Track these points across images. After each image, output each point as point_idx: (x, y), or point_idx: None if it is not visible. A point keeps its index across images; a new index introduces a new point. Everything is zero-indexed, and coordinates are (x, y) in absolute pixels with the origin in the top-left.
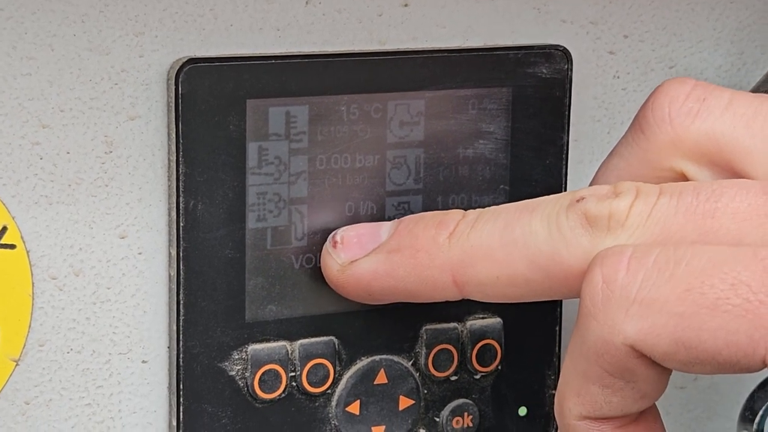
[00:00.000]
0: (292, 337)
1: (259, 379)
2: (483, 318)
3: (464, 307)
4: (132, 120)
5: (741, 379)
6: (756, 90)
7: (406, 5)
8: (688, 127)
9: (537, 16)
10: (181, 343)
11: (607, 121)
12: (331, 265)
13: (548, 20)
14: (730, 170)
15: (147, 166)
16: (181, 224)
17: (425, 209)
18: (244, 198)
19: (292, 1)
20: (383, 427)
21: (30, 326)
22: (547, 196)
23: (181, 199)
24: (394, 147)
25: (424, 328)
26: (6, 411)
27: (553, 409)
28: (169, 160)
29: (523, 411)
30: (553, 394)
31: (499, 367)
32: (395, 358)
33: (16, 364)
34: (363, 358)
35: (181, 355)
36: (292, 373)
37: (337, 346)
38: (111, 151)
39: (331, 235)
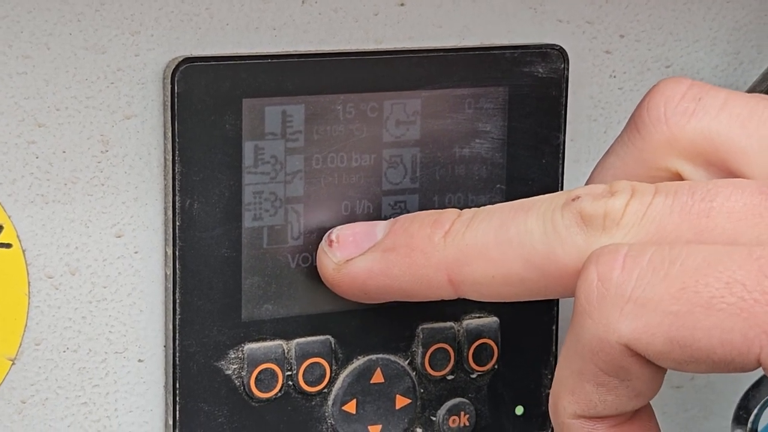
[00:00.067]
0: (288, 336)
1: (256, 378)
2: (479, 317)
3: (461, 307)
4: (128, 119)
5: (737, 379)
6: (752, 90)
7: (402, 4)
8: (684, 126)
9: (533, 15)
10: (177, 342)
11: (604, 120)
12: (326, 263)
13: (544, 20)
14: (725, 170)
15: (143, 165)
16: (177, 223)
17: (421, 208)
18: (240, 197)
19: (288, 0)
20: (380, 426)
21: (26, 325)
22: (542, 196)
23: (177, 198)
24: (391, 146)
25: (420, 327)
26: (2, 410)
27: None
28: (165, 159)
29: (519, 410)
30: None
31: (496, 367)
32: (392, 357)
33: (12, 363)
34: (359, 357)
35: (178, 354)
36: (289, 372)
37: (333, 345)
38: (107, 150)
39: (326, 234)
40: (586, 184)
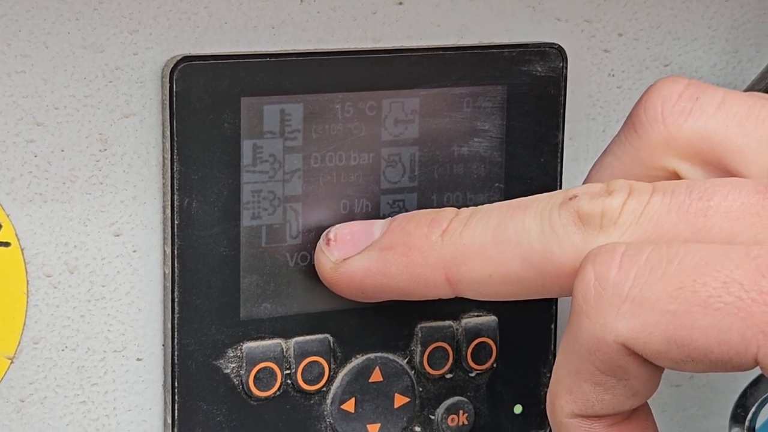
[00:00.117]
0: (287, 335)
1: (254, 376)
2: (478, 316)
3: (459, 305)
4: (126, 118)
5: (736, 378)
6: (750, 88)
7: (400, 3)
8: (681, 126)
9: (532, 14)
10: (175, 340)
11: (602, 119)
12: (324, 262)
13: (543, 18)
14: (722, 169)
15: (141, 163)
16: (176, 222)
17: (420, 207)
18: (238, 196)
19: None
20: (378, 425)
21: (25, 324)
22: (540, 194)
23: (175, 196)
24: (389, 145)
25: (419, 326)
26: (1, 408)
27: None
28: (163, 157)
29: (518, 409)
30: None
31: (495, 365)
32: (390, 356)
33: (11, 362)
34: (358, 355)
35: (176, 353)
36: (287, 371)
37: (332, 344)
38: (105, 149)
39: (324, 233)
40: (584, 183)
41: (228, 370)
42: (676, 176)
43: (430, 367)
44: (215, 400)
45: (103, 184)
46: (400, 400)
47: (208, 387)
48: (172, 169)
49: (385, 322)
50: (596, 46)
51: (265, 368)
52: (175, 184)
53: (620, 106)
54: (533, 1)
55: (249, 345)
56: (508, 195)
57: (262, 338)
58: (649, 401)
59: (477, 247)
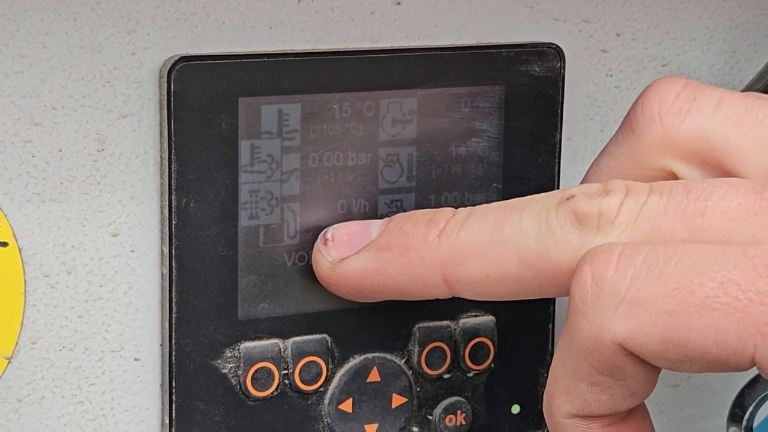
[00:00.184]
0: (284, 335)
1: (252, 376)
2: (476, 316)
3: (457, 305)
4: (124, 118)
5: (734, 378)
6: (748, 88)
7: (398, 3)
8: (678, 126)
9: (530, 14)
10: (173, 340)
11: (600, 119)
12: (321, 262)
13: (541, 18)
14: (720, 169)
15: (139, 163)
16: (174, 222)
17: (418, 207)
18: (236, 196)
19: None
20: (376, 425)
21: (22, 324)
22: (537, 195)
23: (173, 196)
24: (387, 145)
25: (417, 326)
26: None
27: None
28: (161, 157)
29: (516, 409)
30: None
31: (492, 365)
32: (388, 356)
33: (9, 362)
34: (356, 355)
35: (174, 353)
36: (285, 371)
37: (329, 344)
38: (103, 149)
39: (322, 233)
40: (581, 183)
41: (226, 370)
42: (674, 176)
43: (428, 367)
44: (213, 400)
45: (101, 184)
46: (397, 400)
47: (205, 387)
48: (169, 169)
49: (383, 322)
50: (594, 46)
51: (262, 368)
52: (173, 184)
53: (618, 106)
54: (531, 1)
55: (246, 345)
56: (506, 195)
57: (260, 338)
58: (646, 401)
59: (474, 247)
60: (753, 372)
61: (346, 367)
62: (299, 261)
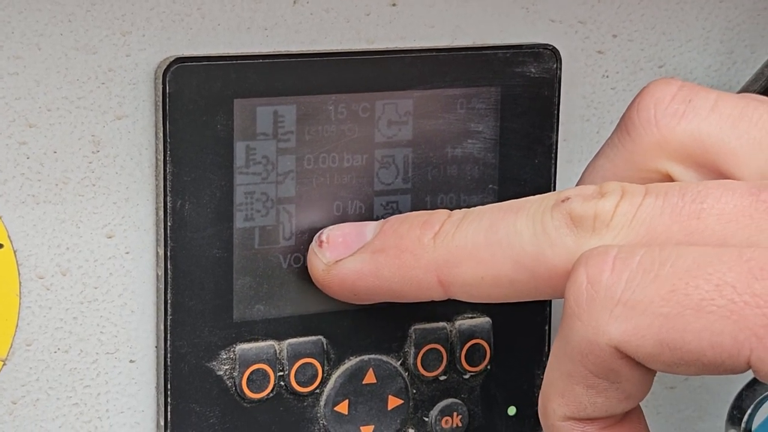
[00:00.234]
0: (280, 337)
1: (247, 378)
2: (472, 318)
3: (453, 307)
4: (119, 119)
5: (731, 379)
6: (745, 89)
7: (394, 4)
8: (674, 128)
9: (525, 15)
10: (168, 342)
11: (596, 120)
12: (316, 264)
13: (537, 19)
14: (715, 171)
15: (134, 165)
16: (169, 224)
17: (414, 209)
18: (231, 197)
19: (279, 0)
20: (372, 427)
21: (17, 326)
22: (533, 197)
23: (168, 198)
24: (382, 146)
25: (412, 327)
26: None
27: None
28: (156, 159)
29: (512, 411)
30: None
31: (488, 367)
32: (384, 358)
33: (3, 364)
34: (351, 357)
35: (169, 355)
36: (281, 373)
37: (325, 346)
38: (98, 151)
39: (317, 235)
40: (577, 185)
41: (221, 372)
42: (669, 178)
43: (424, 368)
44: (208, 402)
45: (96, 185)
46: (393, 402)
47: (201, 389)
48: (165, 170)
49: (379, 323)
50: (590, 48)
51: (258, 370)
52: (168, 185)
53: (614, 107)
54: (527, 2)
55: (242, 347)
56: (502, 196)
57: (255, 340)
58: (643, 403)
59: (469, 249)
60: (751, 374)
61: (342, 368)
62: (295, 263)
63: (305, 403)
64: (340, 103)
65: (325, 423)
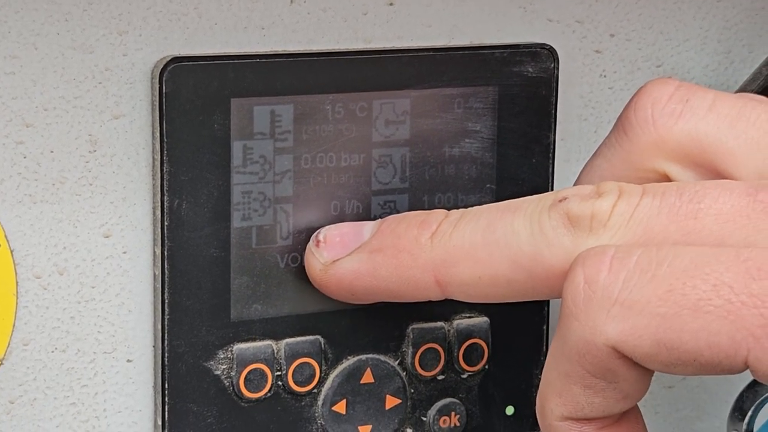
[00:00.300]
0: (277, 336)
1: (245, 378)
2: (470, 317)
3: (451, 307)
4: (116, 119)
5: (730, 379)
6: (743, 89)
7: (391, 4)
8: (671, 128)
9: (523, 14)
10: (166, 342)
11: (594, 120)
12: (313, 264)
13: (534, 19)
14: (713, 171)
15: (131, 164)
16: (166, 223)
17: (411, 208)
18: (228, 197)
19: None
20: (370, 427)
21: (14, 325)
22: (530, 197)
23: (165, 198)
24: (380, 146)
25: (410, 327)
26: None
27: None
28: (153, 158)
29: (510, 410)
30: None
31: (486, 367)
32: (382, 358)
33: (1, 364)
34: (349, 357)
35: (166, 354)
36: (278, 373)
37: (323, 346)
38: (95, 150)
39: (314, 234)
40: (574, 185)
41: (218, 372)
42: (667, 178)
43: (422, 368)
44: (206, 401)
45: (93, 185)
46: (391, 401)
47: (198, 389)
48: (161, 170)
49: (377, 323)
50: (588, 47)
51: (255, 370)
52: (165, 185)
53: (612, 107)
54: (524, 1)
55: (239, 346)
56: (500, 196)
57: (253, 339)
58: (641, 403)
59: (466, 249)
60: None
61: (340, 368)
62: (292, 262)
63: (303, 403)
64: (338, 102)
65: (323, 422)
